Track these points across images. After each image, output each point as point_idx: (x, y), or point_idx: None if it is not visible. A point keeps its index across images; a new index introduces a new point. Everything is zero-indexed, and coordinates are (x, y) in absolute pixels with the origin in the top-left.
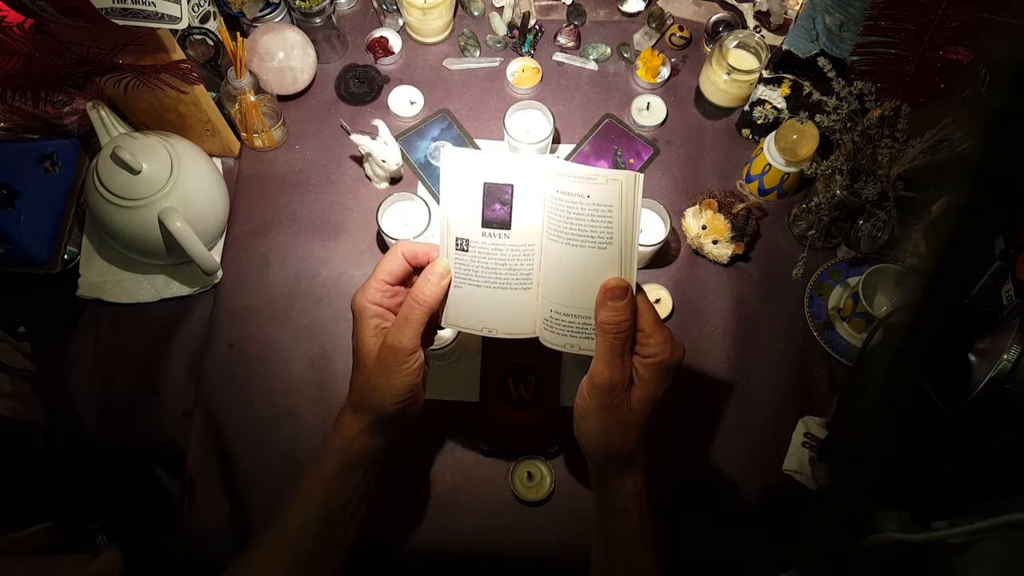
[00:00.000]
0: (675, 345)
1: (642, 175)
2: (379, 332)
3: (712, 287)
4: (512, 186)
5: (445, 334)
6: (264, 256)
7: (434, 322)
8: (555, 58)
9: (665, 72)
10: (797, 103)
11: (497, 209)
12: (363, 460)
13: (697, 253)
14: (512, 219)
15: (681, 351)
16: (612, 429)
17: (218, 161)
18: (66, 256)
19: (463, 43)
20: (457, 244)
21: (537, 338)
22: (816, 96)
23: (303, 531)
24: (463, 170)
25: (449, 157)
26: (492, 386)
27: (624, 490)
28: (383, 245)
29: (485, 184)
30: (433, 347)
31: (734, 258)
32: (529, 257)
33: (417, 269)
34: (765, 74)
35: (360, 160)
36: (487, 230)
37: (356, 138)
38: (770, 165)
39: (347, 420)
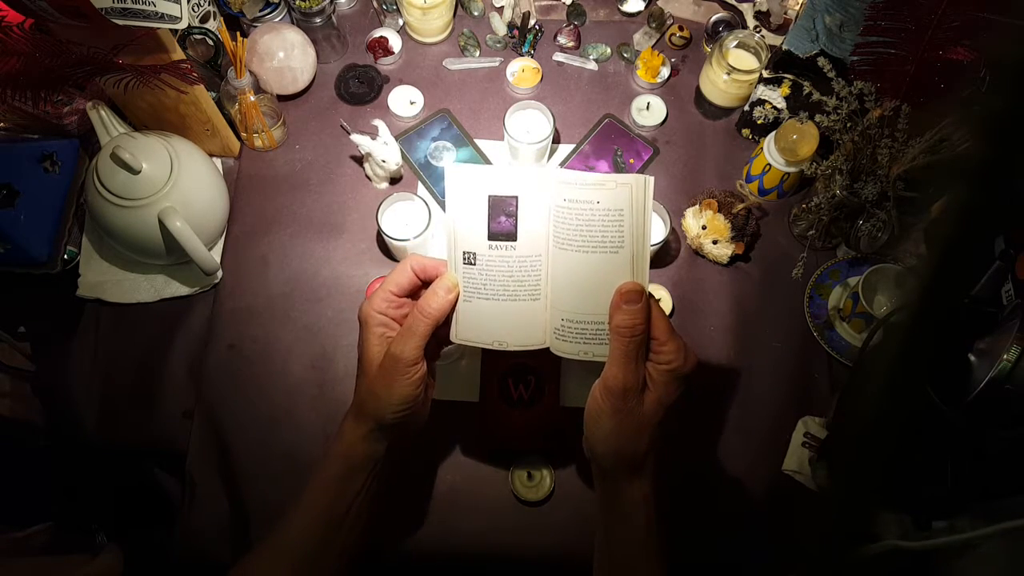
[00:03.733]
0: (688, 353)
1: (652, 178)
2: (384, 341)
3: (712, 287)
4: (516, 198)
5: None
6: (264, 256)
7: (440, 338)
8: (555, 58)
9: (665, 72)
10: (797, 103)
11: (503, 221)
12: (364, 466)
13: (697, 253)
14: (518, 231)
15: (694, 359)
16: (625, 432)
17: (218, 161)
18: (66, 256)
19: (463, 43)
20: (464, 258)
21: (547, 349)
22: (816, 96)
23: (304, 537)
24: (467, 185)
25: (453, 173)
26: (492, 386)
27: (632, 494)
28: (383, 245)
29: (490, 197)
30: None
31: (734, 258)
32: (536, 268)
33: (426, 283)
34: (765, 74)
35: (360, 160)
36: (494, 243)
37: (356, 138)
38: (770, 165)
39: (349, 426)
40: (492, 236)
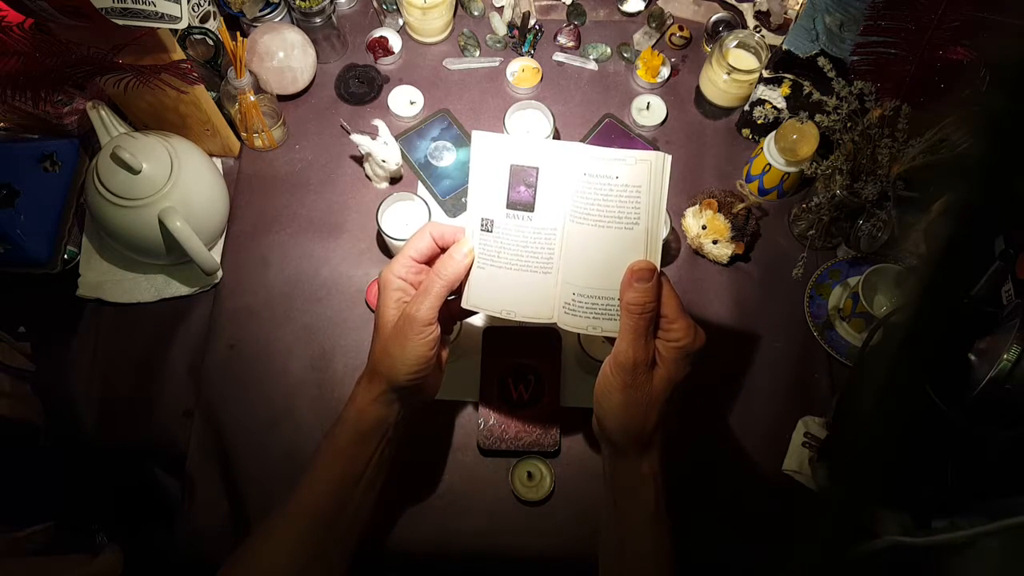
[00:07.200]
0: (698, 332)
1: (669, 156)
2: (400, 305)
3: (712, 287)
4: (537, 169)
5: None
6: (264, 256)
7: (453, 311)
8: (555, 58)
9: (665, 72)
10: (797, 103)
11: (522, 191)
12: (375, 430)
13: (697, 253)
14: (536, 202)
15: (703, 338)
16: (634, 407)
17: (218, 161)
18: (66, 256)
19: (463, 43)
20: (482, 224)
21: (553, 326)
22: (816, 96)
23: (318, 503)
24: (491, 152)
25: (479, 139)
26: (492, 386)
27: (641, 471)
28: (383, 245)
29: (512, 166)
30: None
31: (734, 258)
32: (551, 241)
33: (444, 250)
34: (765, 74)
35: (360, 160)
36: (511, 211)
37: (356, 138)
38: (770, 165)
39: (361, 389)
40: (510, 205)
